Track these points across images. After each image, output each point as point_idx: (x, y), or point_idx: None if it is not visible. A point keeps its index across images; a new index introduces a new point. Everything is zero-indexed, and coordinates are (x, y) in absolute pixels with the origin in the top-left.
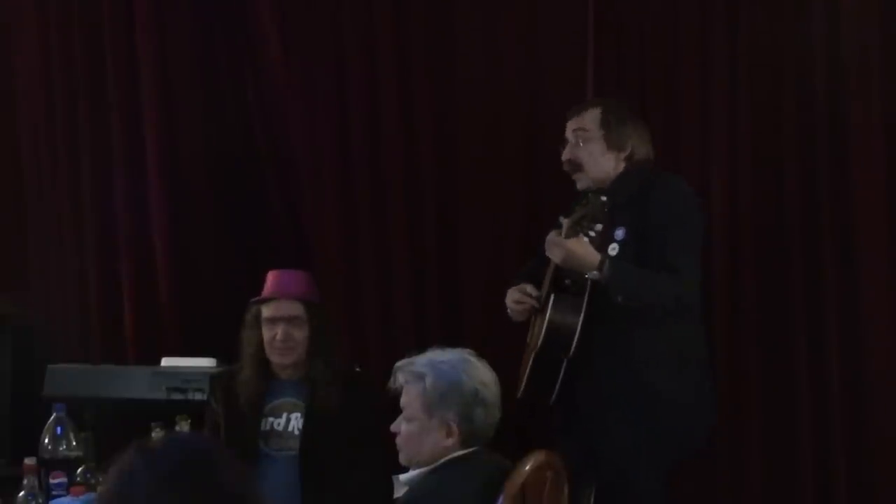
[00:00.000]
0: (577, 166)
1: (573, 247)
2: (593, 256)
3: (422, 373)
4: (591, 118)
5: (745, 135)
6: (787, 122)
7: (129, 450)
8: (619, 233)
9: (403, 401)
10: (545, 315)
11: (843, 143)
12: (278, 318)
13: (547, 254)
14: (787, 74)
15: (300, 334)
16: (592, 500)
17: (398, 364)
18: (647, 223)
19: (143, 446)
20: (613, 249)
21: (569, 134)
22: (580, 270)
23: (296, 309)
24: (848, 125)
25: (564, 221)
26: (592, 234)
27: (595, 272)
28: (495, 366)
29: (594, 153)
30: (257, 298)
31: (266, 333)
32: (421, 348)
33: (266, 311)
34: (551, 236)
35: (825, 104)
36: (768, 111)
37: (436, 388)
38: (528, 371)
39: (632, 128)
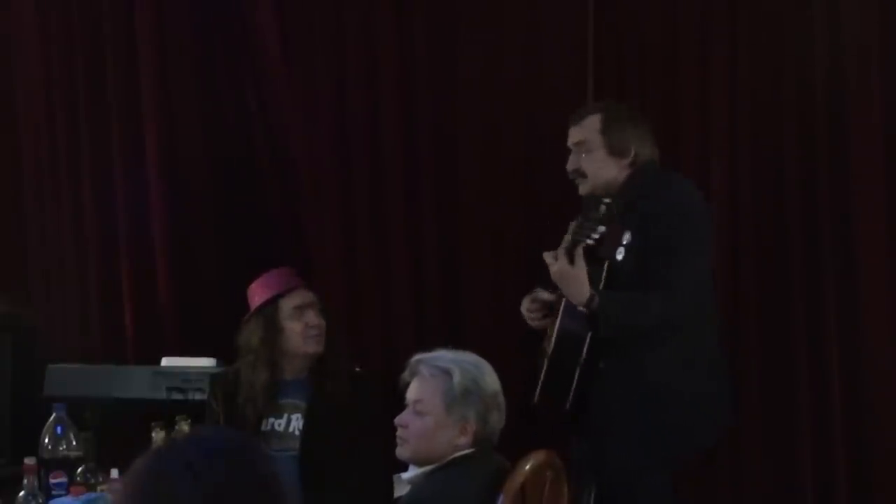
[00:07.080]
0: (581, 175)
1: (569, 273)
2: (585, 291)
3: (449, 368)
4: (590, 126)
5: (745, 135)
6: (787, 122)
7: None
8: (627, 236)
9: (417, 394)
10: (556, 321)
11: (843, 143)
12: (305, 304)
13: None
14: (787, 74)
15: (322, 320)
16: (592, 500)
17: (419, 357)
18: (650, 229)
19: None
20: (620, 254)
21: (571, 144)
22: (569, 298)
23: (313, 295)
24: (848, 125)
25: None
26: (590, 240)
27: (582, 309)
28: (496, 366)
29: (596, 161)
30: (277, 293)
31: (296, 325)
32: (421, 348)
33: (292, 302)
34: (549, 260)
35: (825, 104)
36: (768, 111)
37: (461, 386)
38: (542, 376)
39: (632, 131)
